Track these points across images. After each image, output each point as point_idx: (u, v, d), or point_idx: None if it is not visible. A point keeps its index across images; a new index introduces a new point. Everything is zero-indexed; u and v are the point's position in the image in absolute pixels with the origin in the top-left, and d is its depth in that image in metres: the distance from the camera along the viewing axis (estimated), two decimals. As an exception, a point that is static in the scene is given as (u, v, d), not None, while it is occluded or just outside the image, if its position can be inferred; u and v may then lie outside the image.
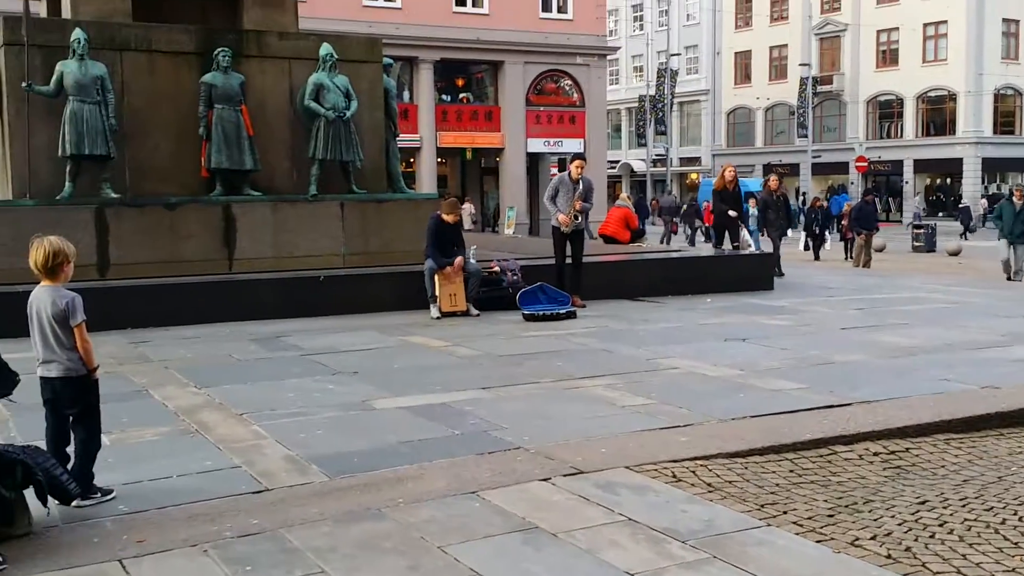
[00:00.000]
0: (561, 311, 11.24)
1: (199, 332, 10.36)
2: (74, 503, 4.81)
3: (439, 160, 37.60)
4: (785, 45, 58.80)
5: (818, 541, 4.30)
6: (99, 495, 4.94)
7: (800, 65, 52.94)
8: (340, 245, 13.46)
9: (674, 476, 5.23)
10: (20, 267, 10.95)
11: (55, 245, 4.87)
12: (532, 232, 37.53)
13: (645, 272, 13.81)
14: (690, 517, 4.58)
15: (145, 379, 7.81)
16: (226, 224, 12.79)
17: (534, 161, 39.34)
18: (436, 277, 11.47)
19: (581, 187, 12.19)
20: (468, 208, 35.70)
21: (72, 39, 11.95)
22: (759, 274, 14.33)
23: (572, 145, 39.02)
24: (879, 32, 54.16)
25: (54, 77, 11.98)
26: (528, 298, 11.43)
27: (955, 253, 28.22)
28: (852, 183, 53.18)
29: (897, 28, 52.97)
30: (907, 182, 53.96)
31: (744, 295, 13.37)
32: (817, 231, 28.20)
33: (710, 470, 5.36)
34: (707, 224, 29.13)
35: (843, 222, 27.44)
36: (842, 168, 53.86)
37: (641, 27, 66.74)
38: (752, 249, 16.12)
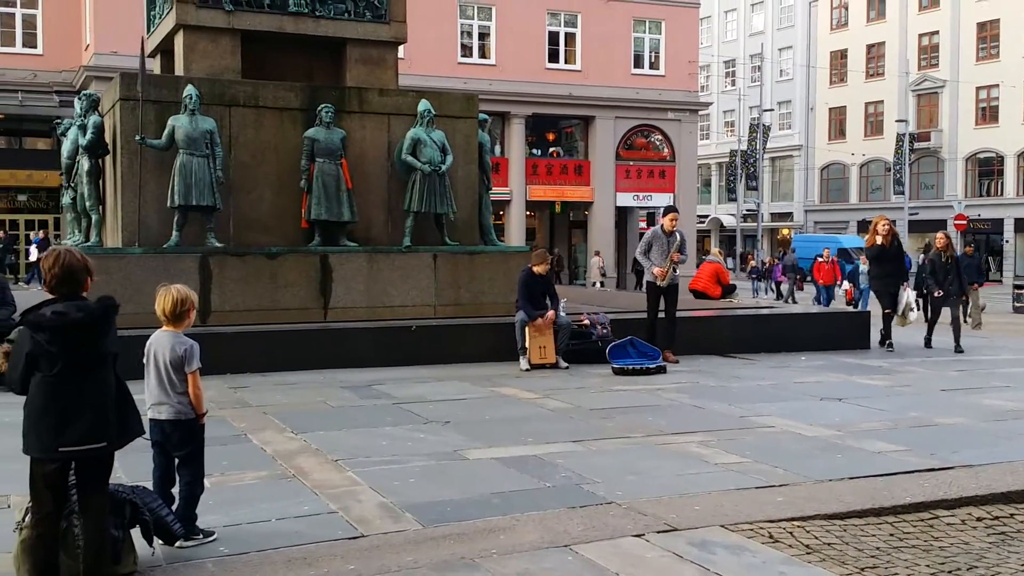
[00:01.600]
0: (651, 366, 11.19)
1: (295, 379, 10.58)
2: (177, 544, 4.95)
3: (528, 213, 37.93)
4: (881, 101, 58.04)
5: (921, 608, 4.19)
6: (201, 536, 5.08)
7: (897, 121, 52.22)
8: (432, 296, 13.66)
9: (771, 536, 5.16)
10: (130, 312, 11.42)
11: (182, 293, 5.09)
12: (619, 285, 37.52)
13: (737, 328, 13.67)
14: (787, 579, 4.51)
15: (244, 423, 8.00)
16: (323, 274, 13.10)
17: (622, 215, 39.42)
18: (527, 329, 11.53)
19: (676, 239, 12.17)
20: (597, 261, 35.84)
21: (184, 95, 12.47)
22: (854, 333, 14.06)
23: (661, 199, 39.02)
24: (978, 88, 53.07)
25: (166, 131, 12.50)
26: (618, 352, 11.41)
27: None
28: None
29: (997, 85, 51.85)
30: (1007, 241, 52.44)
31: (839, 354, 13.13)
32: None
33: (808, 531, 5.27)
34: (818, 280, 28.47)
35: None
36: (939, 226, 52.02)
37: (733, 83, 66.66)
38: (913, 315, 14.17)
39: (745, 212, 57.23)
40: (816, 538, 5.16)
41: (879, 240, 13.96)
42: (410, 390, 9.88)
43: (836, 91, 61.20)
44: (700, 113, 42.61)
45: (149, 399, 5.07)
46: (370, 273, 13.39)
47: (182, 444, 5.07)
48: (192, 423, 5.07)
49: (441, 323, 12.78)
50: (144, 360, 5.08)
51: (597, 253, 36.72)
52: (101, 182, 13.64)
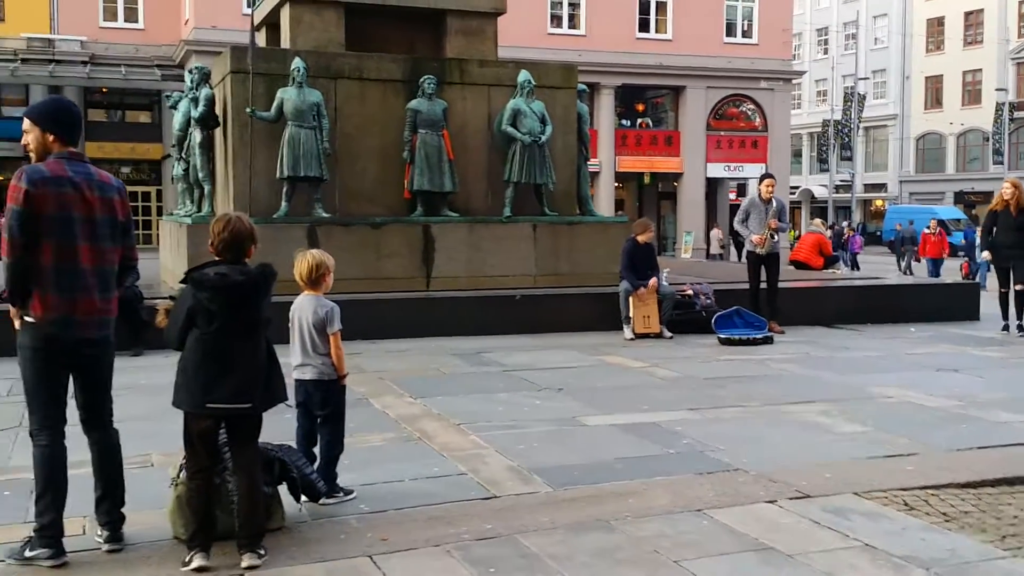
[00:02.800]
0: (758, 336, 11.11)
1: (404, 346, 10.76)
2: (320, 501, 5.12)
3: (617, 184, 37.75)
4: (979, 69, 56.14)
5: (1073, 577, 4.13)
6: (342, 494, 5.24)
7: (996, 90, 50.50)
8: (531, 266, 13.73)
9: (906, 504, 5.12)
10: None
11: (317, 258, 5.23)
12: (708, 257, 37.17)
13: (842, 299, 13.47)
14: (930, 546, 4.48)
15: (364, 388, 8.18)
16: (425, 243, 13.26)
17: (712, 186, 38.98)
18: (631, 299, 11.53)
19: (774, 207, 12.03)
20: (716, 233, 35.62)
21: (292, 68, 12.70)
22: (963, 303, 13.74)
23: (753, 170, 38.45)
24: (1084, 54, 51.01)
25: (275, 103, 12.76)
26: (724, 322, 11.35)
27: None
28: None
29: (1105, 49, 49.76)
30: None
31: (948, 325, 12.86)
32: None
33: (942, 500, 5.21)
34: (922, 255, 27.25)
35: None
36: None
37: (825, 51, 65.10)
38: None
39: (838, 183, 56.05)
40: (952, 506, 5.11)
41: (1004, 204, 12.20)
42: (518, 358, 9.98)
43: (932, 59, 59.37)
44: (793, 82, 41.80)
45: (294, 361, 5.23)
46: (471, 243, 13.51)
47: (324, 404, 5.23)
48: (334, 384, 5.23)
49: (543, 292, 12.86)
50: (289, 324, 5.24)
51: (716, 226, 36.41)
52: (212, 154, 13.98)
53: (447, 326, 11.82)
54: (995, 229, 12.46)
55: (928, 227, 27.43)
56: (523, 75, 13.80)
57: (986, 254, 13.47)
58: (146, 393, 7.57)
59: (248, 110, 12.73)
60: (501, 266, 13.55)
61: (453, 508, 5.14)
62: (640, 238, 11.79)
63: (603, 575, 4.19)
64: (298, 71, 12.73)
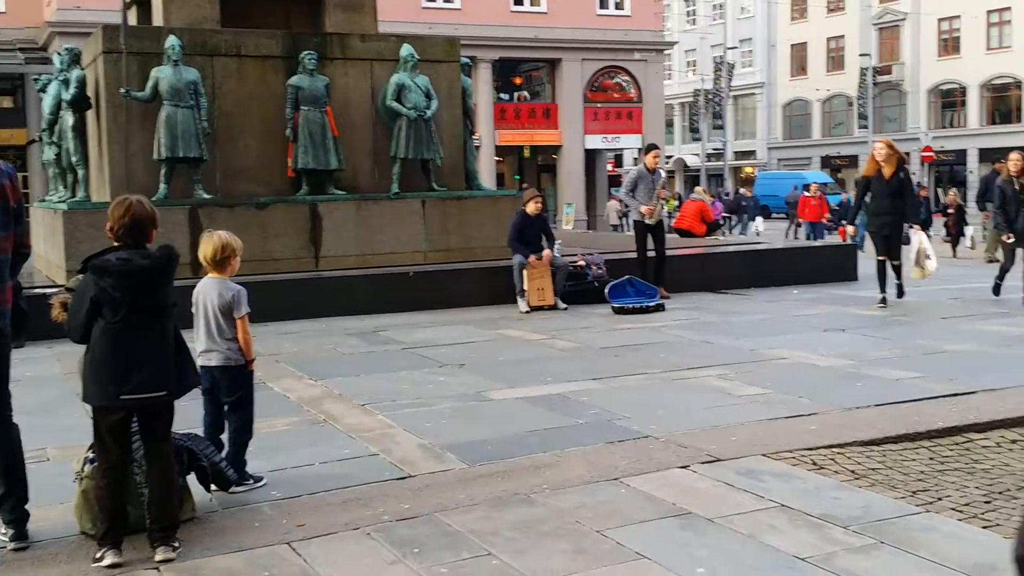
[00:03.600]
0: (650, 304, 11.27)
1: (296, 327, 10.53)
2: (231, 489, 4.95)
3: (497, 158, 37.72)
4: (842, 36, 58.07)
5: (984, 527, 4.29)
6: (252, 482, 5.08)
7: (860, 56, 52.34)
8: (421, 242, 13.61)
9: (815, 464, 5.25)
10: None
11: (224, 239, 5.05)
12: (590, 227, 37.55)
13: (727, 265, 13.78)
14: (844, 504, 4.59)
15: (261, 372, 7.84)
16: (312, 223, 12.99)
17: (591, 157, 39.31)
18: (524, 271, 11.54)
19: (661, 177, 12.22)
20: (614, 204, 35.74)
21: (167, 46, 12.22)
22: (841, 265, 14.20)
23: (630, 141, 39.04)
24: (940, 20, 53.24)
25: (149, 83, 12.27)
26: (617, 291, 11.46)
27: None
28: (914, 174, 52.28)
29: (959, 16, 52.04)
30: (971, 172, 52.99)
31: (829, 286, 13.28)
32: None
33: (848, 458, 5.36)
34: (802, 219, 27.68)
35: (949, 211, 24.00)
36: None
37: (694, 21, 66.32)
38: (932, 264, 11.46)
39: (709, 152, 57.30)
40: (859, 464, 5.26)
41: (877, 168, 11.18)
42: (416, 335, 9.88)
43: (797, 27, 61.12)
44: (664, 53, 42.43)
45: (199, 347, 5.03)
46: (359, 221, 13.30)
47: (232, 390, 5.06)
48: (241, 369, 5.06)
49: (436, 268, 12.76)
50: (192, 308, 5.03)
51: (613, 196, 36.71)
52: (85, 137, 13.37)
53: (339, 306, 11.62)
54: (871, 196, 11.36)
55: (808, 191, 27.96)
56: (406, 49, 13.60)
57: (851, 229, 13.48)
58: (33, 386, 7.23)
59: (122, 91, 12.21)
60: (391, 243, 13.38)
61: (368, 490, 5.04)
62: (529, 208, 11.80)
63: (529, 549, 4.16)
64: (173, 49, 12.26)
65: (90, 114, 13.31)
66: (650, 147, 12.75)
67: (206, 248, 5.08)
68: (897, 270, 11.33)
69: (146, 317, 4.24)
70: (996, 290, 11.85)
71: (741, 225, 35.69)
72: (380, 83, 13.73)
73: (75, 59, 13.20)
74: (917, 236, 11.40)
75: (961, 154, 52.72)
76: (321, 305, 11.58)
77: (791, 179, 50.74)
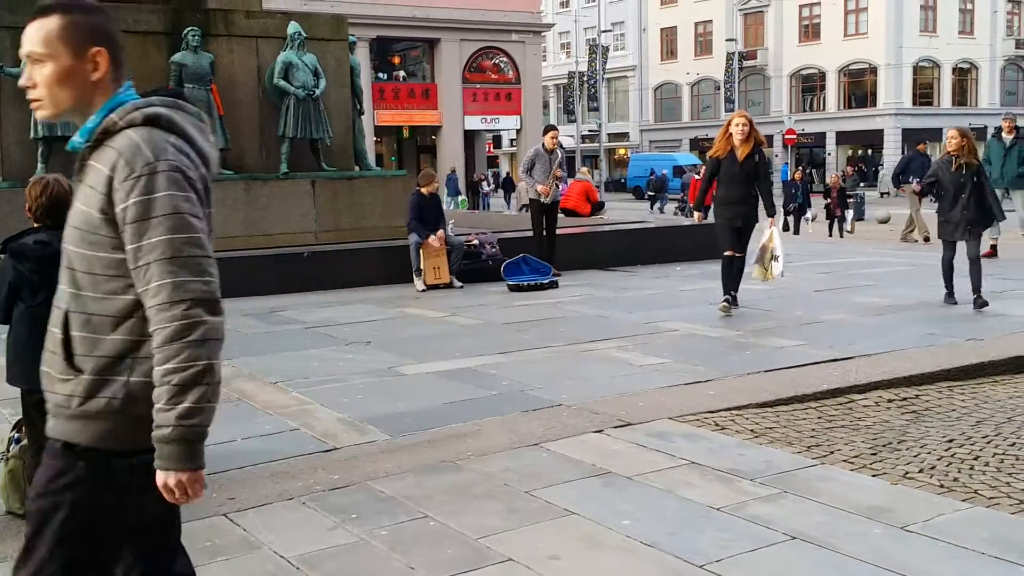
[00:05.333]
0: (544, 281, 11.58)
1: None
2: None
3: (376, 139, 37.57)
4: (710, 21, 59.82)
5: (873, 475, 4.71)
6: (177, 459, 5.12)
7: (727, 40, 53.97)
8: (312, 222, 13.57)
9: (717, 425, 5.61)
10: None
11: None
12: (472, 207, 37.80)
13: (613, 243, 14.20)
14: (748, 459, 4.96)
15: (165, 354, 7.91)
16: (199, 203, 12.80)
17: (470, 138, 39.57)
18: (421, 251, 11.68)
19: (558, 157, 12.51)
20: (523, 186, 35.67)
21: (42, 18, 11.82)
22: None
23: (509, 122, 39.45)
24: (801, 7, 55.41)
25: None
26: (512, 269, 11.73)
27: (885, 221, 29.21)
28: (776, 156, 54.41)
29: (819, 3, 54.27)
30: (829, 154, 55.44)
31: (709, 263, 13.76)
32: (794, 207, 24.26)
33: (747, 419, 5.75)
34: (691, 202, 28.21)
35: (832, 194, 24.23)
36: (767, 142, 55.06)
37: (567, 4, 67.12)
38: (778, 267, 9.64)
39: (584, 133, 58.23)
40: (757, 424, 5.65)
41: (730, 147, 9.37)
42: (315, 314, 9.93)
43: (667, 11, 62.63)
44: (542, 35, 42.93)
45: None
46: (247, 200, 13.16)
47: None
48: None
49: (330, 248, 12.76)
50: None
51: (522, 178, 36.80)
52: (-47, 113, 12.83)
53: (228, 287, 10.96)
54: (718, 182, 9.55)
55: (698, 174, 28.50)
56: (293, 27, 13.50)
57: (697, 216, 10.47)
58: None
59: (-4, 66, 11.78)
60: (281, 224, 13.29)
61: (295, 462, 5.15)
62: (425, 190, 11.94)
63: (463, 510, 4.37)
64: (50, 23, 11.87)
65: (-40, 91, 12.80)
66: (548, 127, 13.02)
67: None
68: (739, 274, 9.52)
69: None
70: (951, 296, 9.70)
71: (660, 204, 36.61)
72: (266, 61, 13.58)
73: (-57, 33, 12.64)
74: (770, 231, 9.58)
75: (820, 136, 55.07)
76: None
77: (662, 160, 52.13)
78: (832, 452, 5.10)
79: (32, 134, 11.95)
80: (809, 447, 5.18)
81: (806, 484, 4.57)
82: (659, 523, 4.15)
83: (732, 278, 9.49)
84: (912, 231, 17.66)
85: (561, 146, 13.56)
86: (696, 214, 10.54)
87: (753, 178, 9.41)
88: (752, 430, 5.51)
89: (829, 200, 24.30)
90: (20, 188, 11.70)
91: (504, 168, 56.84)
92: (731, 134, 9.33)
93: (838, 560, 3.72)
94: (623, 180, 57.15)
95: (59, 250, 4.16)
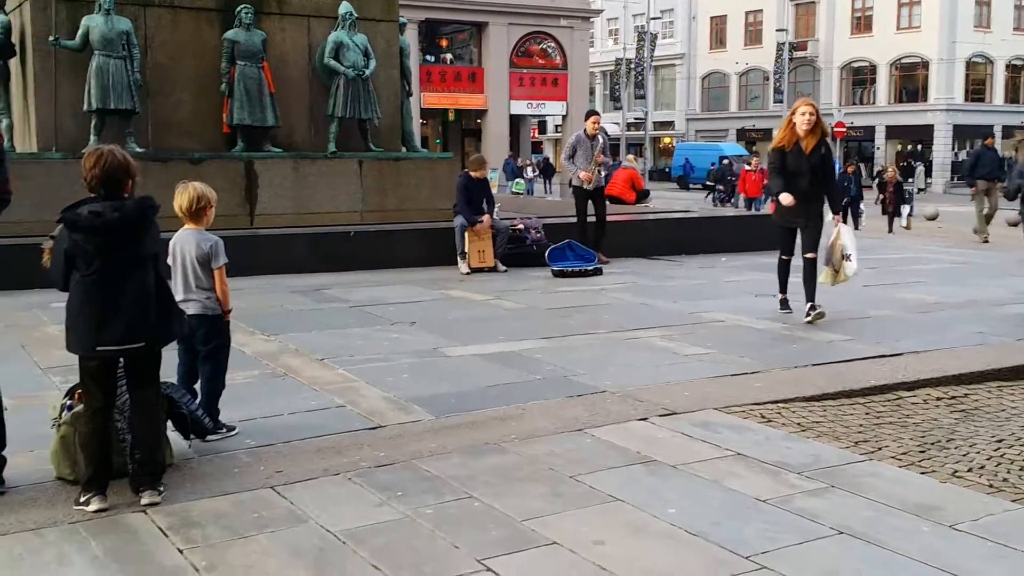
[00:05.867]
0: (588, 268, 11.55)
1: (238, 284, 10.39)
2: (206, 437, 5.06)
3: (422, 121, 37.63)
4: (760, 10, 59.16)
5: (922, 473, 4.66)
6: (224, 430, 5.19)
7: (777, 31, 53.37)
8: (358, 202, 13.65)
9: (763, 417, 5.57)
10: (48, 220, 11.21)
11: (199, 190, 5.10)
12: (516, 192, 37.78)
13: (658, 232, 14.13)
14: (795, 452, 4.92)
15: (212, 327, 7.99)
16: (248, 180, 12.93)
17: (515, 123, 39.52)
18: (467, 233, 11.70)
19: (600, 142, 12.43)
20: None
21: (98, -8, 11.98)
22: (767, 235, 14.59)
23: (554, 107, 39.35)
24: (854, -1, 54.66)
25: (80, 32, 12.03)
26: (556, 255, 11.72)
27: (933, 217, 28.80)
28: (827, 149, 53.77)
29: (872, -5, 53.49)
30: (878, 148, 54.70)
31: (755, 254, 13.69)
32: (847, 200, 22.57)
33: (793, 412, 5.70)
34: (741, 194, 27.10)
35: (887, 191, 23.73)
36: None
37: (617, -10, 66.66)
38: (851, 268, 8.73)
39: (630, 121, 57.94)
40: (804, 417, 5.60)
41: (795, 139, 8.51)
42: (361, 294, 9.99)
43: (717, 0, 61.98)
44: (590, 20, 42.72)
45: (176, 296, 5.08)
46: (295, 179, 13.28)
47: (208, 339, 5.14)
48: (218, 319, 5.15)
49: (377, 228, 12.83)
50: (169, 259, 5.09)
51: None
52: (8, 85, 13.04)
53: (276, 263, 11.62)
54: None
55: (749, 165, 27.59)
56: (344, 6, 13.56)
57: (784, 197, 8.50)
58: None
59: (51, 39, 11.94)
60: (327, 203, 13.39)
61: (341, 439, 5.19)
62: (475, 174, 11.93)
63: (508, 492, 4.38)
64: (105, -3, 12.03)
65: (14, 62, 12.99)
66: (590, 113, 12.94)
67: (182, 199, 5.14)
68: (811, 268, 8.60)
69: (121, 268, 4.25)
70: None
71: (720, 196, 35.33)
72: (317, 40, 13.68)
73: (-2, 4, 12.86)
74: (837, 229, 8.79)
75: (870, 130, 54.33)
76: (259, 263, 11.54)
77: (708, 150, 51.75)
78: (880, 448, 5.04)
79: (85, 106, 12.12)
80: (857, 443, 5.13)
81: (854, 479, 4.52)
82: (704, 513, 4.13)
83: (784, 280, 8.95)
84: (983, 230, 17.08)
85: (604, 132, 13.48)
86: (783, 196, 8.50)
87: (819, 172, 8.53)
88: (799, 423, 5.47)
89: (884, 195, 23.66)
90: (73, 160, 11.93)
91: (546, 153, 56.73)
92: (795, 123, 8.50)
93: (886, 557, 3.68)
94: (667, 169, 56.82)
95: (112, 220, 4.25)
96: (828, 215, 8.88)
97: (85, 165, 4.31)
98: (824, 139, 8.65)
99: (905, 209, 22.95)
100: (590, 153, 12.43)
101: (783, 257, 8.98)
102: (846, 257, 8.68)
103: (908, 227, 22.58)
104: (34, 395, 5.87)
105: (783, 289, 9.04)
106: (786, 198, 8.47)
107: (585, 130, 12.66)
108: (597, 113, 13.13)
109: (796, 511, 4.13)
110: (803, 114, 8.49)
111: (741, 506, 4.21)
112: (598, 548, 3.79)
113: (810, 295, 8.54)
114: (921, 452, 5.01)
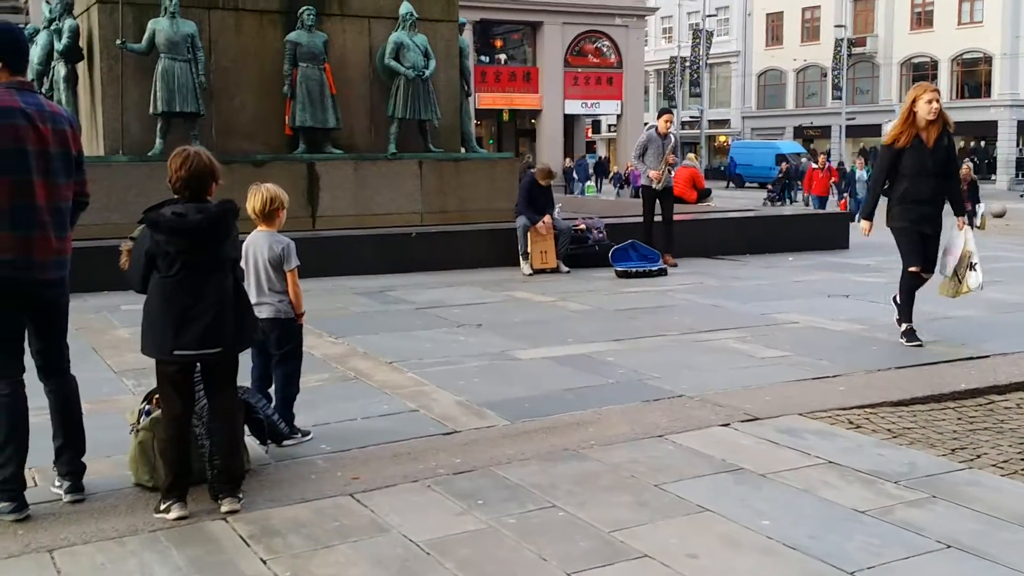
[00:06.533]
0: (653, 268, 11.37)
1: (301, 286, 10.47)
2: (283, 443, 4.99)
3: (476, 122, 37.55)
4: (818, 6, 58.28)
5: (1027, 482, 4.45)
6: (300, 435, 5.12)
7: (836, 27, 52.56)
8: (418, 203, 13.59)
9: (851, 423, 5.38)
10: (113, 222, 11.31)
11: (272, 192, 5.04)
12: (567, 192, 37.59)
13: (723, 231, 13.91)
14: (890, 460, 4.72)
15: (280, 330, 7.96)
16: (310, 181, 12.93)
17: (569, 122, 39.29)
18: (529, 234, 11.58)
19: (671, 141, 12.22)
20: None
21: (164, -4, 12.05)
22: (834, 233, 14.38)
23: (609, 107, 39.09)
24: (914, -7, 53.64)
25: (146, 35, 12.11)
26: (620, 255, 11.56)
27: (1000, 215, 28.09)
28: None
29: (933, -10, 52.44)
30: (940, 146, 53.56)
31: (822, 254, 13.44)
32: None
33: (882, 417, 5.50)
34: (806, 192, 26.39)
35: (963, 186, 23.19)
36: (875, 131, 53.38)
37: (670, -12, 66.13)
38: (975, 279, 7.69)
39: (685, 120, 57.46)
40: (894, 423, 5.39)
41: (914, 132, 7.31)
42: (424, 295, 9.91)
43: (774, -3, 61.26)
44: (645, 18, 42.37)
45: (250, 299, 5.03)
46: (356, 180, 13.25)
47: (281, 343, 5.08)
48: (292, 322, 5.08)
49: (439, 229, 12.76)
50: (242, 262, 5.03)
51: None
52: (76, 88, 13.18)
53: (338, 265, 11.59)
54: (898, 175, 7.43)
55: (815, 164, 26.78)
56: (405, 7, 13.51)
57: (864, 225, 7.73)
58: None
59: (118, 42, 12.04)
60: (388, 204, 13.35)
61: (417, 444, 5.10)
62: (542, 182, 11.81)
63: (591, 501, 4.25)
64: (170, 1, 12.09)
65: (81, 65, 13.13)
66: (663, 111, 12.73)
67: (255, 201, 5.08)
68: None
69: (201, 272, 4.19)
70: None
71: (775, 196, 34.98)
72: (378, 41, 13.64)
73: (67, 8, 12.94)
74: (963, 234, 7.63)
75: (932, 127, 53.12)
76: (321, 264, 11.51)
77: (765, 148, 51.12)
78: (979, 456, 4.83)
79: (151, 109, 12.21)
80: (953, 450, 4.92)
81: (955, 489, 4.32)
82: (800, 524, 3.96)
83: (911, 304, 7.47)
84: None
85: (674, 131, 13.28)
86: (864, 223, 7.77)
87: (945, 168, 7.38)
88: (889, 430, 5.26)
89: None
90: (140, 163, 12.03)
91: (600, 152, 56.46)
92: (917, 113, 7.26)
93: (1001, 573, 3.49)
94: (723, 168, 56.22)
95: (195, 222, 4.19)
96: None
97: (171, 166, 4.26)
98: (947, 130, 7.40)
99: (980, 208, 21.93)
100: (661, 152, 12.23)
101: (911, 270, 7.43)
102: (972, 267, 7.61)
103: (983, 227, 21.88)
104: (109, 399, 5.87)
105: (908, 315, 7.44)
106: (865, 227, 7.66)
107: (657, 128, 12.44)
108: (670, 111, 12.93)
109: (899, 523, 3.95)
110: (929, 101, 7.21)
111: (838, 518, 4.03)
112: (692, 562, 3.64)
113: (910, 314, 7.47)
114: (1022, 459, 4.78)
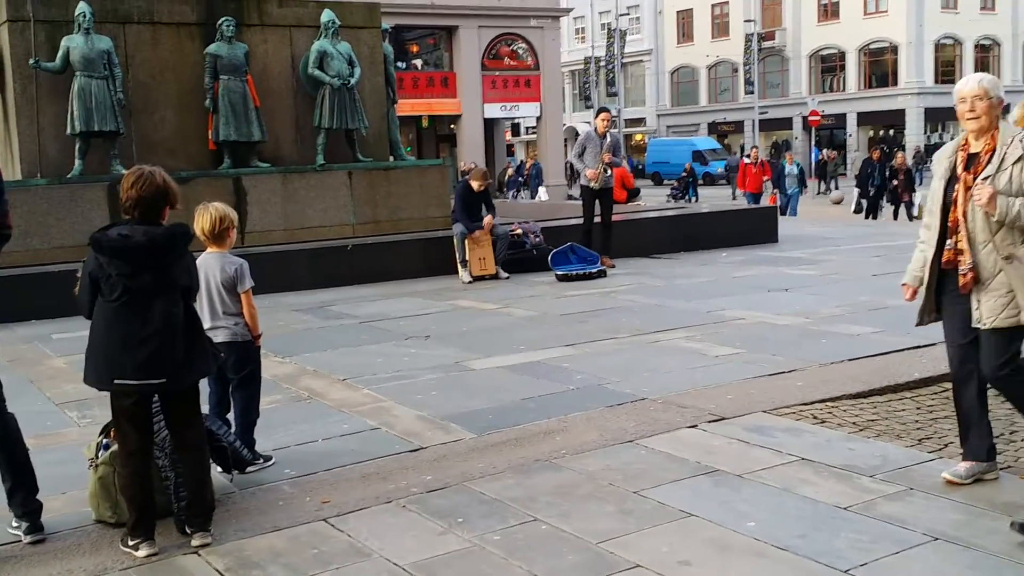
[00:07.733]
0: (592, 270, 11.36)
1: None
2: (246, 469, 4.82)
3: (397, 129, 37.32)
4: (726, 2, 59.19)
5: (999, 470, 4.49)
6: (262, 461, 4.96)
7: (745, 21, 53.47)
8: (349, 214, 13.39)
9: (815, 417, 5.40)
10: (34, 248, 10.92)
11: (220, 211, 4.88)
12: (514, 198, 37.50)
13: (655, 230, 13.99)
14: (861, 454, 4.75)
15: (223, 351, 7.74)
16: (237, 197, 12.61)
17: (489, 127, 39.23)
18: (466, 241, 11.48)
19: (609, 141, 12.22)
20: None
21: (77, 13, 11.68)
22: (763, 228, 14.57)
23: (528, 109, 39.15)
24: (819, -14, 54.84)
25: (60, 53, 11.71)
26: (559, 258, 11.53)
27: (838, 202, 28.89)
28: (796, 138, 54.04)
29: (838, -19, 53.68)
30: (850, 135, 54.90)
31: (753, 248, 13.60)
32: (872, 189, 21.87)
33: (844, 411, 5.54)
34: (741, 188, 26.39)
35: (898, 178, 21.82)
36: (786, 124, 54.65)
37: (581, -12, 66.56)
38: None
39: (601, 119, 57.76)
40: (856, 416, 5.44)
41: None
42: (366, 308, 9.76)
43: (683, -6, 62.07)
44: (560, 19, 42.55)
45: (203, 324, 4.84)
46: (285, 194, 13.00)
47: (239, 367, 4.91)
48: (248, 344, 4.92)
49: (374, 241, 12.59)
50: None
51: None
52: (-11, 110, 12.70)
53: (272, 282, 11.26)
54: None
55: (748, 157, 26.52)
56: (327, 15, 13.30)
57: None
58: None
59: (31, 62, 11.62)
60: (319, 217, 13.12)
61: (384, 463, 4.99)
62: (475, 184, 11.70)
63: (575, 512, 4.18)
64: (84, 16, 11.71)
65: (-7, 86, 12.66)
66: (601, 110, 12.73)
67: (203, 221, 4.91)
68: None
69: (145, 297, 3.98)
70: None
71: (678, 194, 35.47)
72: (300, 50, 13.41)
73: (-24, 28, 12.49)
74: None
75: (841, 118, 54.47)
76: (255, 282, 11.29)
77: (680, 145, 51.74)
78: (945, 446, 4.88)
79: (69, 130, 11.81)
80: (920, 440, 4.97)
81: (929, 480, 4.35)
82: (786, 524, 3.95)
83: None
84: None
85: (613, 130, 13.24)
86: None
87: None
88: (854, 423, 5.30)
89: (896, 182, 22.81)
90: (59, 185, 11.62)
91: (519, 156, 56.50)
92: None
93: (993, 564, 3.51)
94: (640, 166, 56.76)
95: (138, 244, 3.99)
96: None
97: (123, 185, 4.08)
98: None
99: (917, 197, 21.72)
100: (599, 151, 12.21)
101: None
102: None
103: (920, 216, 22.00)
104: (54, 433, 5.64)
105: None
106: None
107: (595, 128, 12.42)
108: (607, 110, 12.93)
109: (882, 518, 3.96)
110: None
111: (823, 515, 4.03)
112: (685, 569, 3.60)
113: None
114: (987, 447, 4.84)
